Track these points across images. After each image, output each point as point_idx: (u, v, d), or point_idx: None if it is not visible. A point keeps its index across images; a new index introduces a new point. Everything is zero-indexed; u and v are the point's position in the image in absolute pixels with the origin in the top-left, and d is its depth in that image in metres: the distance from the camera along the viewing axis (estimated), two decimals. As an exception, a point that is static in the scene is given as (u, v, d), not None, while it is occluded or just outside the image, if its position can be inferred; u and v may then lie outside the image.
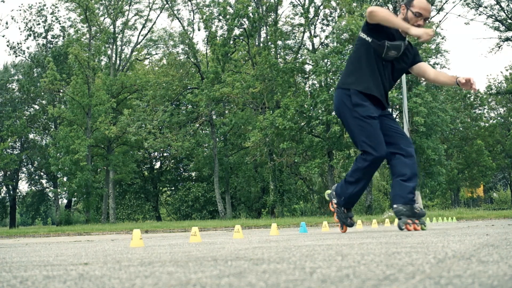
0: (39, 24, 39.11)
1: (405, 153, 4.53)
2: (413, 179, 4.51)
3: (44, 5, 38.90)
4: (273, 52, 31.26)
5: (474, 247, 2.23)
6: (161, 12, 36.50)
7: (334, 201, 4.92)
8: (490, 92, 46.47)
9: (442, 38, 33.90)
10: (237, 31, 31.87)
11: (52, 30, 39.76)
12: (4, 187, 44.31)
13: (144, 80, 34.55)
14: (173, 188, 44.85)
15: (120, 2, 35.02)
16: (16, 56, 40.75)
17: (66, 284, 1.36)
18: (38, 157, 42.47)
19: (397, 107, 30.24)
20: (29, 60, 40.58)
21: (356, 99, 4.50)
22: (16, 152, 42.63)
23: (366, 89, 4.49)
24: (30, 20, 38.86)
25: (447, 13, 42.77)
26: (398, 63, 4.56)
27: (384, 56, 4.47)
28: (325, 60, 28.12)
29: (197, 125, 34.42)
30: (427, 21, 4.45)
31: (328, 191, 5.14)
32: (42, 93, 38.91)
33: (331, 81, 28.54)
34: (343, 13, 29.82)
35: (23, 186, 70.75)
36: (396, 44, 4.44)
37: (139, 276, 1.46)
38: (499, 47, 36.98)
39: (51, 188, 44.12)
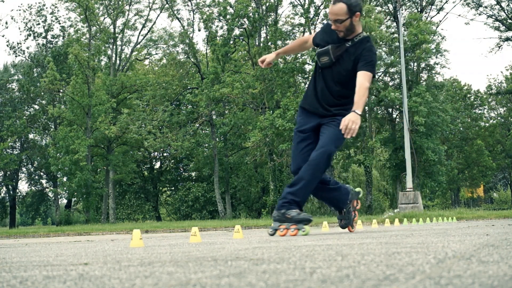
0: (38, 24, 39.10)
1: (309, 158, 4.50)
2: (297, 183, 4.43)
3: (44, 5, 38.89)
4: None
5: (474, 247, 2.23)
6: (161, 12, 36.50)
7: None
8: (490, 92, 46.49)
9: (442, 38, 33.95)
10: (237, 31, 31.89)
11: (52, 30, 39.75)
12: (4, 187, 44.31)
13: (144, 80, 34.55)
14: (173, 188, 44.84)
15: (120, 2, 35.03)
16: (16, 56, 40.78)
17: (66, 284, 1.36)
18: (38, 157, 42.47)
19: (397, 107, 30.25)
20: (29, 60, 40.57)
21: (297, 115, 4.82)
22: (16, 152, 42.63)
23: (300, 102, 4.72)
24: (29, 20, 38.85)
25: (447, 13, 42.86)
26: (335, 66, 4.48)
27: (320, 64, 4.52)
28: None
29: (197, 125, 34.42)
30: (341, 23, 4.32)
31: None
32: (42, 93, 38.90)
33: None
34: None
35: (23, 186, 70.76)
36: (322, 50, 4.48)
37: (139, 276, 1.46)
38: (499, 47, 36.99)
39: (51, 188, 44.13)
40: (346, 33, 4.40)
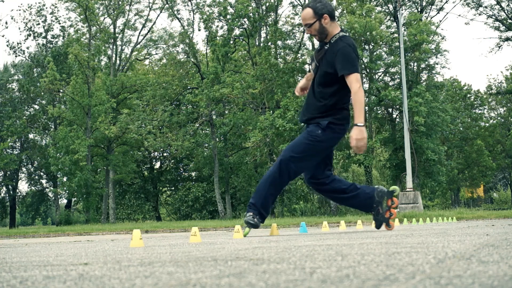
0: (38, 24, 39.12)
1: None
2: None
3: (44, 5, 38.91)
4: (273, 52, 31.26)
5: (474, 247, 2.23)
6: (161, 12, 36.49)
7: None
8: (490, 92, 46.48)
9: (442, 38, 33.92)
10: (237, 31, 31.88)
11: (52, 30, 39.77)
12: (4, 187, 44.31)
13: (144, 80, 34.55)
14: (173, 188, 44.84)
15: (120, 2, 35.02)
16: (16, 56, 40.75)
17: (66, 284, 1.36)
18: (38, 157, 42.47)
19: (397, 107, 30.25)
20: (29, 60, 40.57)
21: None
22: (16, 152, 42.62)
23: None
24: (29, 20, 38.86)
25: (447, 13, 42.85)
26: (319, 69, 4.60)
27: (312, 71, 4.74)
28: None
29: (197, 125, 34.41)
30: (310, 27, 4.49)
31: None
32: (42, 93, 38.91)
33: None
34: (344, 12, 29.83)
35: (23, 186, 70.76)
36: (311, 57, 4.76)
37: (139, 276, 1.46)
38: (499, 47, 36.98)
39: (51, 188, 44.13)
40: (320, 36, 4.54)
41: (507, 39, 36.51)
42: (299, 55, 32.25)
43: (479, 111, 47.12)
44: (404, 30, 28.44)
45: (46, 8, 40.54)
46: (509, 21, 35.57)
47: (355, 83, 4.34)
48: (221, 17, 31.45)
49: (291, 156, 4.58)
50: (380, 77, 32.34)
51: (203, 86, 30.65)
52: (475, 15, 49.97)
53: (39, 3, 40.13)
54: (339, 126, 4.55)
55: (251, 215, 4.67)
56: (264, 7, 31.73)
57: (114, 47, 36.07)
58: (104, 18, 35.44)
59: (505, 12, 35.67)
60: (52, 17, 39.65)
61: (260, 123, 28.25)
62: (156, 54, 40.20)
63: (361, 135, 4.29)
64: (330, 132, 4.56)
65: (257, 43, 32.53)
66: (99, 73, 34.21)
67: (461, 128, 43.71)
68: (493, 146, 45.54)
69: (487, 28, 61.61)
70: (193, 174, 43.48)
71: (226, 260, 1.94)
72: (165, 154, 42.34)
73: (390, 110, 32.40)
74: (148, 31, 37.28)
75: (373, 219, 5.00)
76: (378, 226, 5.01)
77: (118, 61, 36.75)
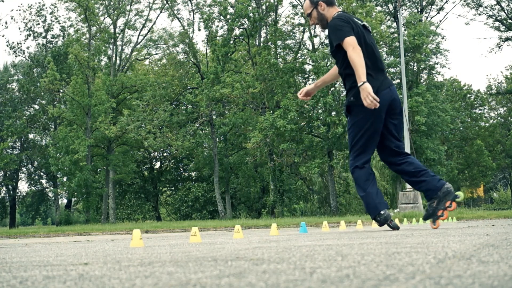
0: (38, 24, 39.10)
1: None
2: None
3: (43, 5, 38.90)
4: (273, 52, 31.25)
5: (474, 247, 2.22)
6: (161, 12, 36.50)
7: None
8: (490, 92, 46.47)
9: (442, 38, 33.95)
10: (237, 31, 31.89)
11: (52, 30, 39.76)
12: (4, 187, 44.30)
13: (144, 80, 34.55)
14: (173, 188, 44.84)
15: (121, 2, 35.02)
16: (16, 56, 40.73)
17: (66, 284, 1.36)
18: (38, 157, 42.47)
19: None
20: (29, 60, 40.56)
21: None
22: (16, 152, 42.62)
23: None
24: (29, 20, 38.85)
25: (447, 13, 42.81)
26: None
27: None
28: (325, 60, 28.10)
29: (197, 125, 34.41)
30: (310, 16, 4.68)
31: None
32: (42, 93, 38.90)
33: (331, 81, 28.55)
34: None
35: (23, 186, 70.74)
36: None
37: (139, 276, 1.46)
38: (499, 47, 36.99)
39: (51, 188, 44.12)
40: (322, 23, 4.66)
41: (507, 39, 36.51)
42: (299, 55, 32.24)
43: (479, 111, 47.09)
44: (404, 30, 28.44)
45: (46, 8, 40.50)
46: (509, 21, 35.57)
47: (348, 47, 4.36)
48: (221, 17, 31.45)
49: (350, 149, 4.75)
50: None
51: (203, 86, 30.65)
52: (475, 15, 49.96)
53: (39, 3, 40.13)
54: (361, 106, 4.45)
55: (381, 218, 4.73)
56: (264, 7, 31.72)
57: (114, 47, 36.05)
58: (104, 18, 35.45)
59: (505, 12, 35.68)
60: (52, 17, 39.63)
61: (260, 124, 28.24)
62: (156, 54, 40.23)
63: (364, 93, 4.26)
64: (355, 114, 4.56)
65: (257, 43, 32.52)
66: (99, 73, 34.20)
67: (461, 128, 43.68)
68: (493, 146, 45.50)
69: (487, 28, 61.64)
70: (193, 174, 43.49)
71: (226, 260, 1.94)
72: (165, 154, 42.34)
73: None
74: (148, 31, 37.28)
75: (425, 209, 4.94)
76: (425, 218, 4.88)
77: (118, 61, 36.74)
